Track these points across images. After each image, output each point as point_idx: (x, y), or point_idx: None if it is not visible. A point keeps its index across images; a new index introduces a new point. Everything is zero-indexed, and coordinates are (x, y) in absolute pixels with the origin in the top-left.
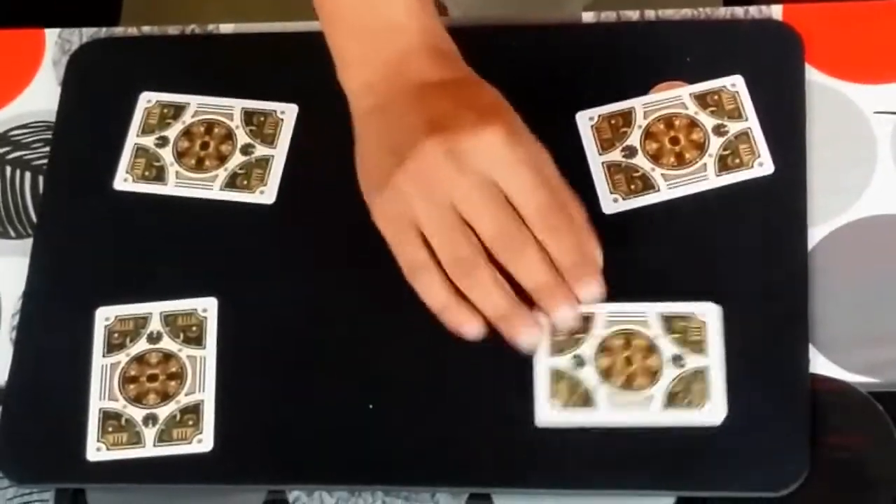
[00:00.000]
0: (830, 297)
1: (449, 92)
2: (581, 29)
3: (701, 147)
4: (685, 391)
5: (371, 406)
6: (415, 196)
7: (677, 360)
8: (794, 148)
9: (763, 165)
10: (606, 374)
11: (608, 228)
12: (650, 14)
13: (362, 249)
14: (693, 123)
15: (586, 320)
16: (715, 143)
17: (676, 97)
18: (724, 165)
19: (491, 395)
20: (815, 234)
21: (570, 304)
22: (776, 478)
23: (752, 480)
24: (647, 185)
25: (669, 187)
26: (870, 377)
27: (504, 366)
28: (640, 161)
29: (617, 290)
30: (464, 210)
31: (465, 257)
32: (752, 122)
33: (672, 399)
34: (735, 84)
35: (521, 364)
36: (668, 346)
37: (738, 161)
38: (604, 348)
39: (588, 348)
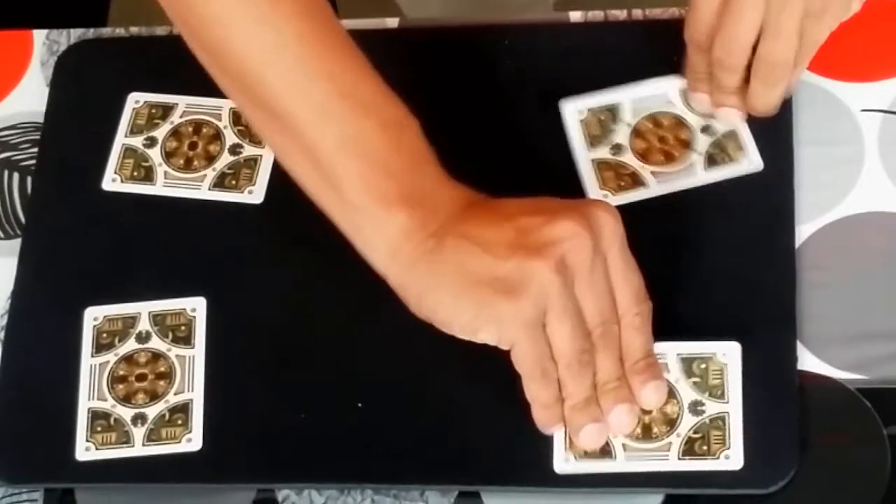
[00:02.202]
0: (818, 294)
1: (498, 211)
2: (568, 28)
3: (689, 145)
4: (703, 439)
5: (360, 404)
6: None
7: (697, 406)
8: (782, 146)
9: (752, 162)
10: None
11: None
12: (637, 13)
13: (350, 248)
14: (680, 122)
15: None
16: (703, 142)
17: (663, 94)
18: (712, 162)
19: (480, 392)
20: (803, 231)
21: (630, 405)
22: (765, 474)
23: (742, 477)
24: (637, 181)
25: (659, 183)
26: (858, 374)
27: (494, 364)
28: (629, 158)
29: None
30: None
31: (587, 361)
32: None
33: (690, 446)
34: None
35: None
36: (687, 392)
37: (726, 158)
38: None
39: None
